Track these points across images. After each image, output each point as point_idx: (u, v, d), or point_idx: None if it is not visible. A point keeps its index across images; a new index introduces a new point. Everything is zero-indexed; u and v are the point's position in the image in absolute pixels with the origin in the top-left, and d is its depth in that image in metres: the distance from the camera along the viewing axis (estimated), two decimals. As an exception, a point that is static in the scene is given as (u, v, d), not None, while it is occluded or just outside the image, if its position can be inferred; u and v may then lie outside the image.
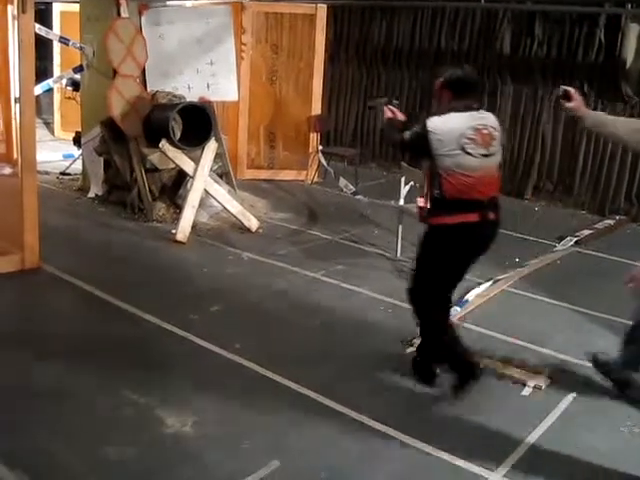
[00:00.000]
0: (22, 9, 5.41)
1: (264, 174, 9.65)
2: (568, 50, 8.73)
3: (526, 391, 4.24)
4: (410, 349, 4.70)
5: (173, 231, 6.80)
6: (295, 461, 3.43)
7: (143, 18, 7.82)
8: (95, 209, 7.80)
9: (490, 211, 3.99)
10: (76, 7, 8.57)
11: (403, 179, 6.61)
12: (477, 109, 4.04)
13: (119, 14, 7.58)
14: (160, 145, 7.09)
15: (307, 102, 9.47)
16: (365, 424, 3.79)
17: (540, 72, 8.97)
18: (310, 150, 9.59)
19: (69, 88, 10.31)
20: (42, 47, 12.40)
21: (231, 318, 5.12)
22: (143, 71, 7.89)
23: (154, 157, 7.37)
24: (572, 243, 7.36)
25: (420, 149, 4.07)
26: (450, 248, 4.02)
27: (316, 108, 9.47)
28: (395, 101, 4.61)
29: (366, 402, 4.00)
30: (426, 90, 9.77)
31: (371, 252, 6.81)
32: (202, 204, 7.30)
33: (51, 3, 11.64)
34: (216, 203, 7.37)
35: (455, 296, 5.37)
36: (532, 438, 3.76)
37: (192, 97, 7.90)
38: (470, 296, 5.62)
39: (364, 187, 9.03)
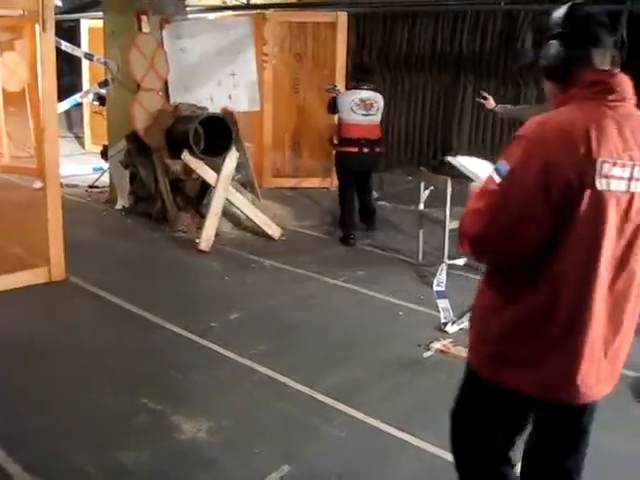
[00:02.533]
0: (43, 28, 5.54)
1: (289, 182, 9.73)
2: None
3: None
4: (428, 353, 4.73)
5: (197, 241, 6.89)
6: (307, 466, 3.47)
7: (165, 32, 7.95)
8: (122, 221, 7.94)
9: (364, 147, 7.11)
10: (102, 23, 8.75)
11: (423, 184, 6.63)
12: (366, 89, 7.17)
13: (141, 29, 7.73)
14: (182, 156, 7.21)
15: (331, 110, 9.52)
16: (379, 429, 3.80)
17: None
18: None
19: (95, 103, 10.51)
20: (72, 63, 12.70)
21: (250, 325, 5.19)
22: (166, 84, 8.02)
23: (177, 168, 7.49)
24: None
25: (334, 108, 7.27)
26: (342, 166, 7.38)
27: (339, 116, 9.52)
28: (337, 87, 7.74)
29: (381, 407, 4.02)
30: (449, 94, 9.78)
31: (393, 258, 6.83)
32: (225, 213, 7.40)
33: (79, 20, 11.88)
34: (239, 212, 7.46)
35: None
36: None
37: (214, 108, 8.01)
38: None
39: (388, 192, 9.06)
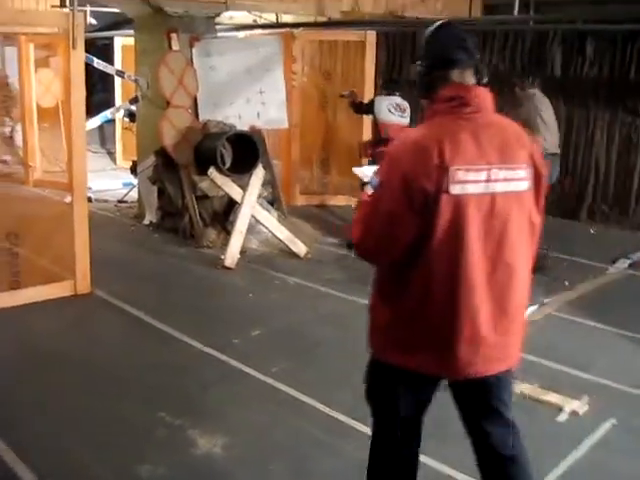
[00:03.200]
0: (73, 45, 5.63)
1: (316, 200, 9.74)
2: (620, 69, 8.62)
3: (562, 417, 4.17)
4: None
5: (222, 257, 6.92)
6: (321, 484, 3.46)
7: (194, 50, 8.04)
8: (149, 236, 8.00)
9: None
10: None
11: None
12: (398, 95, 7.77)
13: (170, 47, 7.82)
14: (209, 173, 7.26)
15: (359, 127, 9.53)
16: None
17: (592, 92, 8.88)
18: (362, 175, 9.64)
19: (126, 119, 10.63)
20: (105, 80, 12.89)
21: (271, 342, 5.19)
22: (195, 101, 8.09)
23: (204, 184, 7.55)
24: (626, 266, 7.22)
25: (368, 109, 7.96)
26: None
27: (367, 133, 9.52)
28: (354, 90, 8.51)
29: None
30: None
31: (418, 276, 6.79)
32: (251, 230, 7.42)
33: (113, 38, 12.05)
34: (265, 229, 7.48)
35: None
36: (565, 466, 3.69)
37: (243, 126, 8.06)
38: (514, 320, 5.57)
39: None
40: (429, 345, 2.48)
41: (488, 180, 2.35)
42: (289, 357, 4.89)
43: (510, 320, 2.49)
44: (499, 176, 2.38)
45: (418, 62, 2.53)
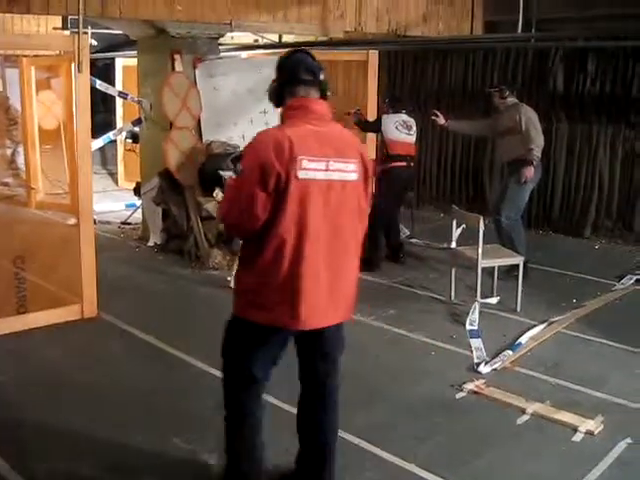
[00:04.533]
0: (78, 69, 5.64)
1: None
2: (622, 86, 8.63)
3: (577, 436, 4.14)
4: (460, 394, 4.66)
5: (228, 278, 6.89)
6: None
7: (197, 71, 8.05)
8: (154, 258, 7.98)
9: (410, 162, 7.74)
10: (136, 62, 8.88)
11: (455, 222, 6.59)
12: (404, 112, 7.83)
13: (174, 68, 7.83)
14: (214, 194, 7.26)
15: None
16: (411, 472, 3.76)
17: (594, 109, 8.89)
18: (365, 194, 9.61)
19: (129, 140, 10.64)
20: (106, 101, 12.90)
21: (280, 364, 5.13)
22: (198, 122, 8.09)
23: (209, 206, 7.53)
24: (632, 282, 7.20)
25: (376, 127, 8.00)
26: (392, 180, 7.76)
27: (371, 152, 9.52)
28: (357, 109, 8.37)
29: (413, 449, 3.97)
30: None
31: (425, 296, 6.78)
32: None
33: (114, 58, 12.08)
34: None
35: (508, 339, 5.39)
36: (582, 486, 3.68)
37: (246, 146, 8.04)
38: (524, 339, 5.55)
39: (420, 230, 9.02)
40: (280, 303, 3.06)
41: (327, 169, 3.02)
42: (296, 377, 4.84)
43: (343, 283, 3.17)
44: (335, 167, 3.05)
45: (273, 79, 3.23)
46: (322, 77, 3.18)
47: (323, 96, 3.19)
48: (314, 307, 3.08)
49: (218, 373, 4.80)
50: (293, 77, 3.16)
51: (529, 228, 8.59)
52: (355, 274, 3.26)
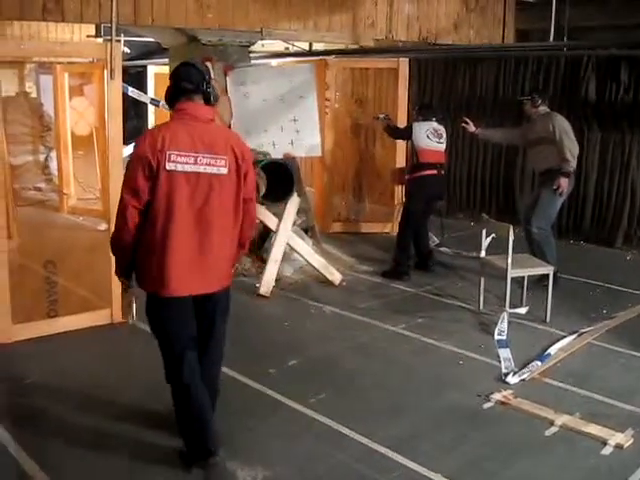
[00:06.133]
0: (111, 76, 5.70)
1: (350, 227, 9.72)
2: (656, 95, 8.55)
3: (606, 450, 4.09)
4: (488, 404, 4.63)
5: (257, 285, 6.93)
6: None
7: (228, 79, 8.09)
8: (183, 263, 8.01)
9: (440, 170, 7.75)
10: (168, 69, 8.96)
11: (484, 231, 6.56)
12: (435, 120, 7.81)
13: (205, 76, 7.87)
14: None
15: (392, 154, 9.53)
16: (437, 482, 3.75)
17: (627, 117, 8.80)
18: (396, 202, 9.60)
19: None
20: (137, 107, 13.03)
21: (308, 372, 5.16)
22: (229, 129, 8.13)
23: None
24: (664, 293, 7.11)
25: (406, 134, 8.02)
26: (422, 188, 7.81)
27: (400, 161, 9.52)
28: (386, 115, 8.50)
29: (440, 459, 3.95)
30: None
31: (453, 305, 6.75)
32: (286, 258, 7.42)
33: (146, 66, 12.22)
34: (300, 257, 7.48)
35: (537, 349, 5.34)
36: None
37: (277, 153, 8.08)
38: (553, 350, 5.50)
39: (450, 238, 8.99)
40: (156, 276, 3.60)
41: (195, 163, 3.54)
42: (326, 388, 4.85)
43: (211, 260, 3.65)
44: (204, 161, 3.56)
45: (169, 86, 3.73)
46: (204, 86, 3.67)
47: (207, 101, 3.70)
48: (179, 278, 3.59)
49: (247, 380, 4.89)
50: (177, 86, 3.69)
51: (560, 238, 8.50)
52: (227, 252, 3.77)
